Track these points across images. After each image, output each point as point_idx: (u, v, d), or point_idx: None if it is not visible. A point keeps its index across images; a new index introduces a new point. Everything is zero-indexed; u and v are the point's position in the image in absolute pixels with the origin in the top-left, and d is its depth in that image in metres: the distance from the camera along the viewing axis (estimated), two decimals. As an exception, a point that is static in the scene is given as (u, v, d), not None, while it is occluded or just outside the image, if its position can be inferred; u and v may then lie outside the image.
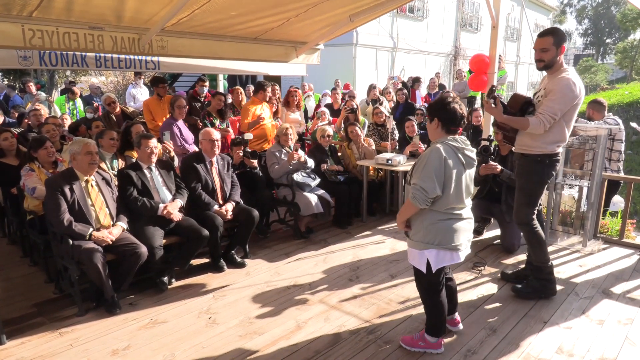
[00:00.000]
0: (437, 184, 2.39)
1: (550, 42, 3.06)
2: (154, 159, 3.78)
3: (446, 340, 2.87)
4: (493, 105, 3.16)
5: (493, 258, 4.21)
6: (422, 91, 9.42)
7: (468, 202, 2.61)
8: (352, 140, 5.59)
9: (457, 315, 2.97)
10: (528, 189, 3.32)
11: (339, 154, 5.76)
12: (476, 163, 2.60)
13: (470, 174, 2.58)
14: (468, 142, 2.56)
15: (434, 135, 2.57)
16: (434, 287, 2.65)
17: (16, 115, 7.40)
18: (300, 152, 4.86)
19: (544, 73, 3.25)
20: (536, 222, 3.37)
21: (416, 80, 9.45)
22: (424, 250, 2.53)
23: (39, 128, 4.73)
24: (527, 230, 3.36)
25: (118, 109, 6.02)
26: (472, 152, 2.55)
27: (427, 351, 2.74)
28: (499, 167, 4.11)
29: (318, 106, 8.19)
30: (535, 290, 3.40)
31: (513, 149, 3.45)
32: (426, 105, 8.44)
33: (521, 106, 3.19)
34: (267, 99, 5.83)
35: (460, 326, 2.97)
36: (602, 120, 5.12)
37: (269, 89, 5.83)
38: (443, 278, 2.68)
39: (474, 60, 5.44)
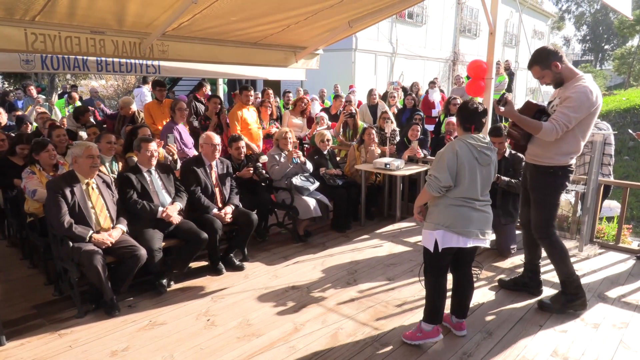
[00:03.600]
0: (450, 174, 2.64)
1: (538, 70, 3.04)
2: (154, 162, 3.82)
3: (443, 342, 2.89)
4: (502, 109, 3.08)
5: (489, 262, 4.24)
6: (434, 96, 9.25)
7: (486, 197, 2.77)
8: (365, 142, 5.62)
9: (464, 321, 3.01)
10: (543, 202, 3.22)
11: (338, 158, 5.81)
12: (493, 161, 2.76)
13: (487, 170, 2.74)
14: (486, 141, 2.74)
15: (457, 132, 2.88)
16: (437, 267, 2.80)
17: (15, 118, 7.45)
18: (299, 153, 4.90)
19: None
20: (556, 236, 3.25)
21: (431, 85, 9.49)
22: (433, 231, 2.73)
23: (49, 132, 4.80)
24: (548, 244, 3.26)
25: (130, 112, 6.09)
26: (489, 151, 2.72)
27: (427, 342, 2.82)
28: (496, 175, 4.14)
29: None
30: (563, 305, 3.26)
31: (524, 158, 3.36)
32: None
33: (534, 114, 3.09)
34: (251, 102, 5.86)
35: (465, 332, 3.00)
36: (595, 127, 5.15)
37: (252, 92, 5.88)
38: (448, 263, 2.82)
39: (472, 66, 5.49)
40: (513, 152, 4.41)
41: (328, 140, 5.41)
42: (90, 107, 7.42)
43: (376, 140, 5.69)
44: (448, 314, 3.03)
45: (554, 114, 2.98)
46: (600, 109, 3.02)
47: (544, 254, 3.57)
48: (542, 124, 2.97)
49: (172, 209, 3.72)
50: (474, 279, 3.83)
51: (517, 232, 4.74)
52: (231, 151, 4.75)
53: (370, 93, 7.44)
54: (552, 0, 43.72)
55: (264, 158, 4.75)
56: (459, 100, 6.63)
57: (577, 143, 3.06)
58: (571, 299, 3.27)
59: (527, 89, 25.20)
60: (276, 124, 6.50)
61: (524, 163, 3.48)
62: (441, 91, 9.89)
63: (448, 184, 2.65)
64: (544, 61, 3.02)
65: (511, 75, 11.36)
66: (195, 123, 6.18)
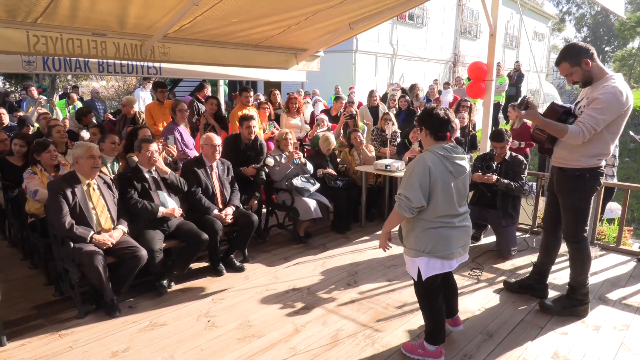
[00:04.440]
0: (422, 194, 2.41)
1: (567, 67, 2.90)
2: (157, 158, 3.81)
3: (443, 345, 2.89)
4: (524, 112, 2.97)
5: (490, 264, 4.24)
6: (447, 97, 9.22)
7: (464, 209, 2.60)
8: (354, 146, 5.64)
9: (458, 315, 3.00)
10: (572, 206, 3.11)
11: (338, 159, 5.81)
12: (467, 171, 2.58)
13: (463, 182, 2.57)
14: (459, 150, 2.55)
15: (425, 143, 2.63)
16: (429, 293, 2.67)
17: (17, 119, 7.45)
18: (299, 154, 4.90)
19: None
20: (587, 242, 3.19)
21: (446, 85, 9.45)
22: (415, 258, 2.58)
23: (49, 130, 4.80)
24: (576, 249, 3.18)
25: (132, 112, 6.10)
26: (462, 160, 2.53)
27: (425, 359, 2.74)
28: (494, 178, 4.16)
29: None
30: (565, 309, 3.25)
31: (550, 162, 3.26)
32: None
33: (560, 116, 2.99)
34: (250, 104, 5.87)
35: (461, 327, 3.00)
36: None
37: (251, 93, 5.90)
38: (438, 284, 2.68)
39: (473, 67, 5.50)
40: (513, 154, 4.40)
41: (334, 149, 5.44)
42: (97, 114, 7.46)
43: (364, 141, 5.70)
44: None
45: (581, 117, 2.86)
46: (631, 110, 2.89)
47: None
48: (568, 128, 2.84)
49: (171, 204, 3.75)
50: (475, 281, 3.85)
51: (517, 233, 4.74)
52: (241, 130, 4.74)
53: (371, 94, 7.44)
54: (553, 1, 43.76)
55: (270, 161, 4.71)
56: (470, 103, 6.64)
57: (607, 145, 2.93)
58: (575, 304, 3.25)
59: (528, 90, 25.18)
60: (276, 125, 6.51)
61: (551, 167, 3.31)
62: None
63: (420, 205, 2.42)
64: (574, 58, 2.87)
65: (521, 76, 11.31)
66: None
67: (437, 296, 2.68)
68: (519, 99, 3.14)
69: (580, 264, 3.20)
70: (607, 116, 2.80)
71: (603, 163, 3.03)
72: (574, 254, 3.21)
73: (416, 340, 2.87)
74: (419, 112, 7.91)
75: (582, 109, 2.95)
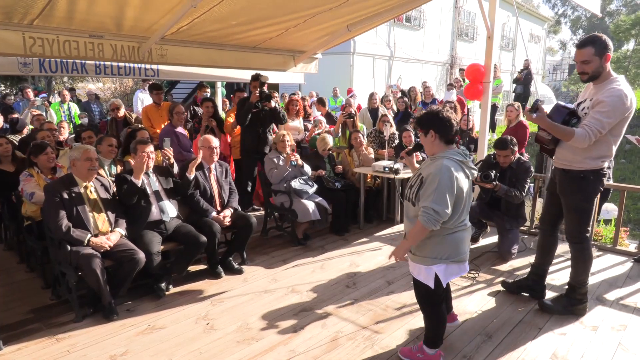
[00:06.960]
0: (450, 204, 2.30)
1: (590, 52, 2.79)
2: (151, 164, 3.79)
3: (442, 345, 2.89)
4: (534, 116, 2.92)
5: (488, 265, 4.24)
6: (451, 97, 9.27)
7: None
8: (354, 147, 5.65)
9: (454, 311, 3.03)
10: (575, 207, 3.10)
11: (335, 161, 5.81)
12: (476, 173, 2.59)
13: (471, 185, 2.56)
14: (468, 154, 2.52)
15: (432, 148, 2.42)
16: (437, 299, 2.59)
17: (9, 120, 7.39)
18: (297, 156, 4.91)
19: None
20: (589, 242, 3.18)
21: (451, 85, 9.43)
22: (431, 266, 2.44)
23: (33, 133, 4.77)
24: (578, 249, 3.17)
25: (121, 114, 6.07)
26: (472, 163, 2.53)
27: None
28: (492, 184, 4.11)
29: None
30: (565, 308, 3.26)
31: (553, 162, 3.24)
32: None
33: (564, 117, 2.96)
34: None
35: (458, 321, 3.04)
36: None
37: (245, 94, 5.90)
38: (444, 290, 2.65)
39: (470, 69, 5.52)
40: (521, 160, 4.32)
41: (330, 149, 5.45)
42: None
43: (364, 142, 5.71)
44: None
45: (587, 119, 2.84)
46: (633, 113, 2.86)
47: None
48: (574, 131, 2.81)
49: (169, 207, 3.70)
50: (472, 282, 3.85)
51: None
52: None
53: (371, 97, 7.45)
54: (549, 4, 44.02)
55: (265, 78, 5.18)
56: (454, 104, 6.67)
57: (609, 147, 2.93)
58: (574, 304, 3.27)
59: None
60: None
61: (553, 168, 3.29)
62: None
63: (447, 217, 2.31)
64: (601, 48, 2.78)
65: (529, 75, 11.00)
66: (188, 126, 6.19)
67: (442, 302, 2.66)
68: (532, 103, 3.10)
69: (582, 264, 3.21)
70: (613, 119, 2.78)
71: (606, 164, 3.02)
72: (577, 254, 3.22)
73: (413, 344, 2.86)
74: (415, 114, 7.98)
75: (585, 110, 2.94)
